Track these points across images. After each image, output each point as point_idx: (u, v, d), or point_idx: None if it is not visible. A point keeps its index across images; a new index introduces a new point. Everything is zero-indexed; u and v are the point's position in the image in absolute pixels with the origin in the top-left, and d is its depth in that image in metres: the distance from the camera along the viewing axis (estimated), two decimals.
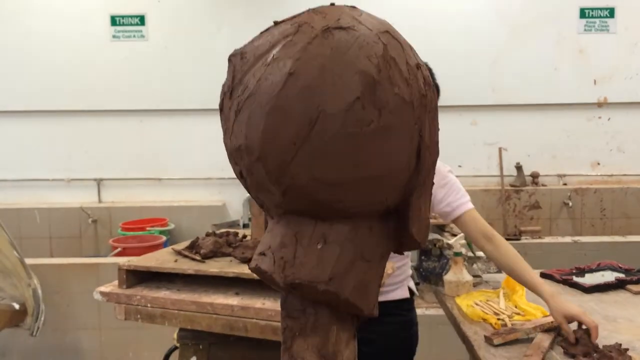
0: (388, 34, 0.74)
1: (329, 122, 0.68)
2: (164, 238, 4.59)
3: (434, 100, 0.79)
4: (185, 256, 1.73)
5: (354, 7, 0.79)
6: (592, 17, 5.25)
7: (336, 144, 0.69)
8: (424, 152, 0.75)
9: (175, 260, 1.71)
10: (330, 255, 0.75)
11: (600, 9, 5.24)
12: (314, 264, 0.74)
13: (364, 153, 0.70)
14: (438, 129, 0.80)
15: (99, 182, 5.33)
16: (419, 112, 0.74)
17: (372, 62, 0.70)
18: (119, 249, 4.35)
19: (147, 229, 4.78)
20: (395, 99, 0.71)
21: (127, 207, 5.18)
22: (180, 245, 1.85)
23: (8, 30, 5.20)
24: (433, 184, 0.83)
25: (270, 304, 1.49)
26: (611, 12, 5.24)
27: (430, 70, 1.63)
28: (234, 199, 5.22)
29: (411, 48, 0.77)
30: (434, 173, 0.82)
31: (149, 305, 1.59)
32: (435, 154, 0.80)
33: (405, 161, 0.74)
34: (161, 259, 1.72)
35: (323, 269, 0.74)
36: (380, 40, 0.72)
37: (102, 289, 1.66)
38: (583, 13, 5.24)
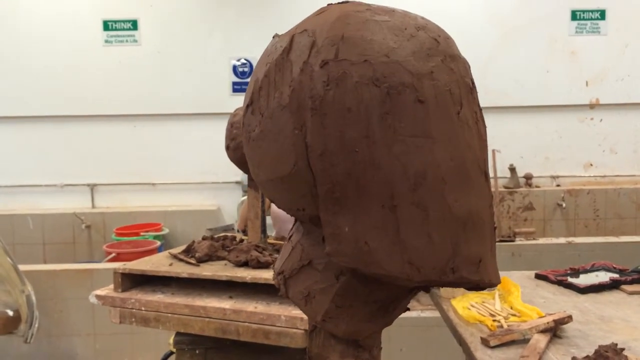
0: (300, 34, 0.69)
1: (240, 128, 0.76)
2: (158, 243, 4.57)
3: (344, 103, 0.65)
4: (181, 260, 1.73)
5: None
6: (583, 19, 5.28)
7: (244, 147, 0.78)
8: (313, 161, 0.66)
9: (171, 264, 1.70)
10: (285, 254, 0.81)
11: (591, 11, 5.27)
12: (279, 258, 0.82)
13: (256, 157, 0.74)
14: (383, 136, 0.64)
15: (92, 187, 5.31)
16: (301, 117, 0.66)
17: (266, 67, 0.72)
18: (113, 255, 4.33)
19: (141, 234, 4.77)
20: (273, 104, 0.69)
21: (120, 213, 5.16)
22: (177, 249, 1.84)
23: (0, 36, 5.18)
24: (381, 202, 0.65)
25: (263, 308, 1.49)
26: (602, 14, 5.28)
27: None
28: (228, 203, 5.21)
29: (333, 44, 0.66)
30: (356, 187, 0.66)
31: (143, 308, 1.58)
32: (349, 162, 0.65)
33: (290, 168, 0.69)
34: (157, 263, 1.72)
35: (280, 265, 0.81)
36: (285, 44, 0.70)
37: (98, 292, 1.65)
38: (574, 15, 5.28)
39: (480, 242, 0.69)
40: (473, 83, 0.71)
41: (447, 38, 0.70)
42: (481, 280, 0.69)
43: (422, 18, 0.72)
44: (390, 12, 0.69)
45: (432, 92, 0.64)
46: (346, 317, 0.73)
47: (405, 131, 0.63)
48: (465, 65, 0.70)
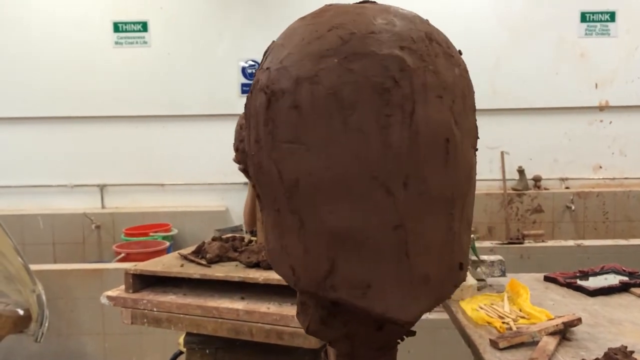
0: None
1: None
2: (167, 243, 4.60)
3: (250, 109, 0.69)
4: (192, 261, 1.74)
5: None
6: (593, 21, 5.26)
7: None
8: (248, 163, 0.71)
9: (182, 265, 1.71)
10: None
11: (601, 12, 5.26)
12: None
13: None
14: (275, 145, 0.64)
15: (102, 188, 5.35)
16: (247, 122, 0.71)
17: None
18: (123, 255, 4.35)
19: (150, 234, 4.79)
20: None
21: (130, 213, 5.19)
22: (187, 250, 1.86)
23: (11, 37, 5.22)
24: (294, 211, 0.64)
25: (275, 309, 1.50)
26: (612, 16, 5.26)
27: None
28: (237, 204, 5.23)
29: (265, 52, 0.70)
30: (259, 187, 0.68)
31: (155, 309, 1.60)
32: (251, 165, 0.68)
33: None
34: (167, 264, 1.73)
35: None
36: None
37: (109, 293, 1.66)
38: (584, 17, 5.26)
39: (367, 264, 0.61)
40: (395, 82, 0.60)
41: (368, 35, 0.62)
42: (371, 310, 0.61)
43: (376, 17, 0.65)
44: (339, 13, 0.66)
45: (309, 97, 0.61)
46: (307, 316, 0.72)
47: (281, 137, 0.63)
48: (384, 63, 0.61)
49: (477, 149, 0.72)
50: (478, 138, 0.73)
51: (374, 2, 0.70)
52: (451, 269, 0.65)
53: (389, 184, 0.60)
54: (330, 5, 0.69)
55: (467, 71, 0.70)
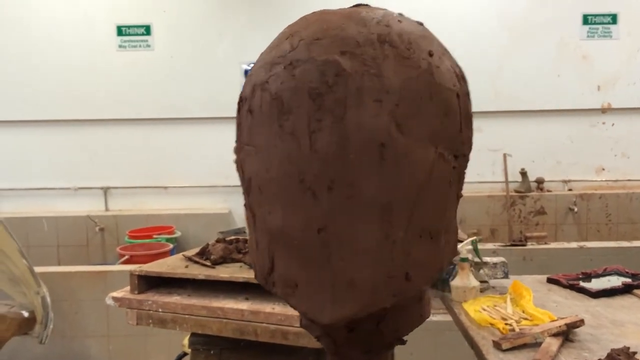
0: None
1: None
2: (171, 246, 4.61)
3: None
4: (196, 262, 1.75)
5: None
6: (595, 23, 5.27)
7: None
8: None
9: (186, 266, 1.73)
10: None
11: (603, 15, 5.26)
12: None
13: None
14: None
15: (105, 190, 5.37)
16: None
17: None
18: (127, 257, 4.37)
19: (154, 236, 4.80)
20: None
21: (133, 215, 5.20)
22: (191, 252, 1.87)
23: (14, 40, 5.25)
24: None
25: (280, 309, 1.51)
26: (614, 19, 5.26)
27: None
28: (240, 207, 5.22)
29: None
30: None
31: (160, 310, 1.61)
32: (238, 173, 0.73)
33: None
34: (172, 265, 1.75)
35: None
36: None
37: (115, 294, 1.68)
38: (586, 19, 5.27)
39: (295, 264, 0.63)
40: (329, 87, 0.61)
41: (314, 41, 0.63)
42: (298, 308, 0.64)
43: (334, 22, 0.65)
44: (308, 19, 0.68)
45: (259, 102, 0.65)
46: None
47: (242, 139, 0.69)
48: (321, 69, 0.61)
49: (459, 155, 0.68)
50: (466, 144, 0.70)
51: (367, 5, 0.71)
52: (390, 277, 0.62)
53: (314, 188, 0.60)
54: (316, 11, 0.70)
55: (432, 73, 0.66)
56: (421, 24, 0.72)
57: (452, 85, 0.67)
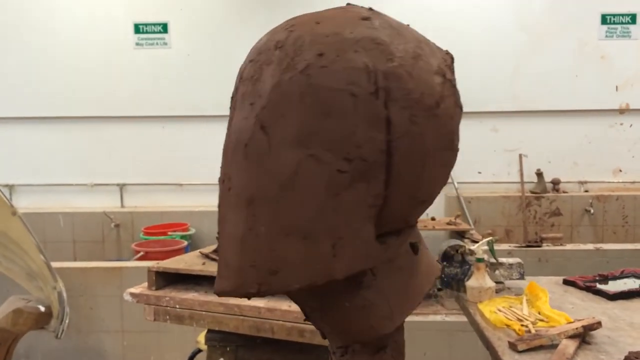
0: None
1: None
2: (185, 242, 4.63)
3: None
4: (213, 259, 1.76)
5: None
6: (614, 23, 5.21)
7: None
8: None
9: (203, 263, 1.74)
10: None
11: (622, 15, 5.20)
12: None
13: None
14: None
15: (121, 187, 5.41)
16: None
17: None
18: (142, 253, 4.40)
19: (169, 233, 4.83)
20: None
21: (149, 212, 5.24)
22: (207, 249, 1.88)
23: (33, 38, 5.31)
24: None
25: (297, 307, 1.51)
26: (633, 19, 5.20)
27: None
28: None
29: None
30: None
31: (177, 306, 1.62)
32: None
33: None
34: (189, 262, 1.76)
35: None
36: None
37: (132, 290, 1.69)
38: (604, 19, 5.22)
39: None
40: (236, 91, 0.74)
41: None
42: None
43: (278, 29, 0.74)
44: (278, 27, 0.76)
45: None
46: None
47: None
48: (266, 63, 0.68)
49: (353, 159, 0.64)
50: (364, 147, 0.64)
51: (352, 4, 0.76)
52: (253, 267, 0.65)
53: (221, 179, 0.72)
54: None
55: (309, 75, 0.64)
56: (408, 25, 0.76)
57: (344, 85, 0.64)
